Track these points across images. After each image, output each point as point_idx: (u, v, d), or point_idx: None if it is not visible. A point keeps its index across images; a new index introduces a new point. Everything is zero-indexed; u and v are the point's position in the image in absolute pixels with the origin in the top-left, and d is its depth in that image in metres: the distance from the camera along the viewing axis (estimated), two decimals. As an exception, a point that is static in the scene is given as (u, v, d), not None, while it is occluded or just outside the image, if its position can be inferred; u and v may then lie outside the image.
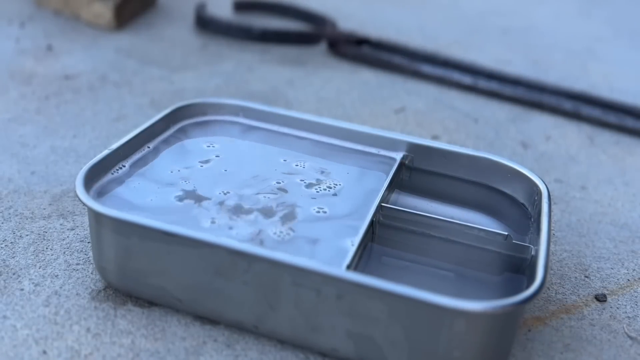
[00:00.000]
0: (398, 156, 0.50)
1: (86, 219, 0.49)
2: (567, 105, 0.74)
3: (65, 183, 0.54)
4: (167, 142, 0.50)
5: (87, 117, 0.65)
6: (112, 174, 0.46)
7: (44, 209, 0.51)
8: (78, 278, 0.44)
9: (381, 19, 1.01)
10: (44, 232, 0.48)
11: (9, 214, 0.50)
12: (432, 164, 0.50)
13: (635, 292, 0.47)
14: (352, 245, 0.40)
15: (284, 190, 0.46)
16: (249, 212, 0.44)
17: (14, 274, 0.44)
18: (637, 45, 1.01)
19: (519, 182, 0.48)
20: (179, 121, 0.53)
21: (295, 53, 0.85)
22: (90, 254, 0.46)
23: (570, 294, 0.46)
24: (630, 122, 0.72)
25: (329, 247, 0.41)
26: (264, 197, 0.45)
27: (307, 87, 0.75)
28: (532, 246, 0.42)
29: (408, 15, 1.05)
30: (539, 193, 0.45)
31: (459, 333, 0.35)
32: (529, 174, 0.47)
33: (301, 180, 0.48)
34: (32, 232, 0.48)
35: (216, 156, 0.50)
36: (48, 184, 0.54)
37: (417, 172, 0.51)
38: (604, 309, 0.45)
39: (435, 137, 0.66)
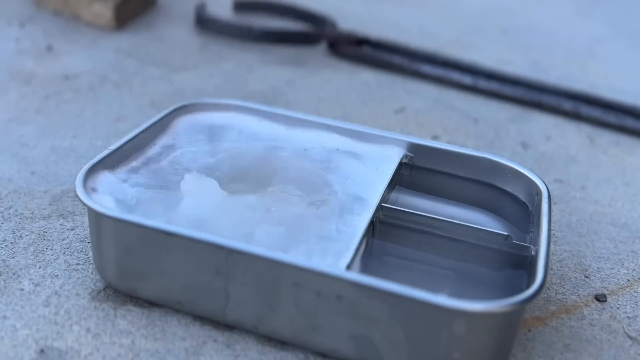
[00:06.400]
0: (398, 156, 0.50)
1: (86, 219, 0.49)
2: (567, 105, 0.74)
3: (65, 183, 0.54)
4: (166, 142, 0.50)
5: (87, 117, 0.65)
6: (112, 173, 0.45)
7: (44, 209, 0.50)
8: (78, 278, 0.44)
9: (381, 19, 1.01)
10: (44, 232, 0.48)
11: (9, 214, 0.50)
12: (432, 163, 0.50)
13: (635, 292, 0.47)
14: (352, 245, 0.40)
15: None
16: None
17: (14, 274, 0.44)
18: (637, 45, 1.01)
19: (519, 182, 0.48)
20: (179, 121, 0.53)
21: (295, 53, 0.85)
22: (90, 254, 0.46)
23: (570, 294, 0.46)
24: (630, 122, 0.72)
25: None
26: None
27: (307, 87, 0.75)
28: (532, 246, 0.42)
29: (408, 15, 1.05)
30: (539, 193, 0.45)
31: (459, 333, 0.35)
32: (529, 174, 0.47)
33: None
34: (32, 232, 0.48)
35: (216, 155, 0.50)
36: (48, 184, 0.54)
37: (417, 170, 0.51)
38: (604, 309, 0.45)
39: (435, 137, 0.66)
